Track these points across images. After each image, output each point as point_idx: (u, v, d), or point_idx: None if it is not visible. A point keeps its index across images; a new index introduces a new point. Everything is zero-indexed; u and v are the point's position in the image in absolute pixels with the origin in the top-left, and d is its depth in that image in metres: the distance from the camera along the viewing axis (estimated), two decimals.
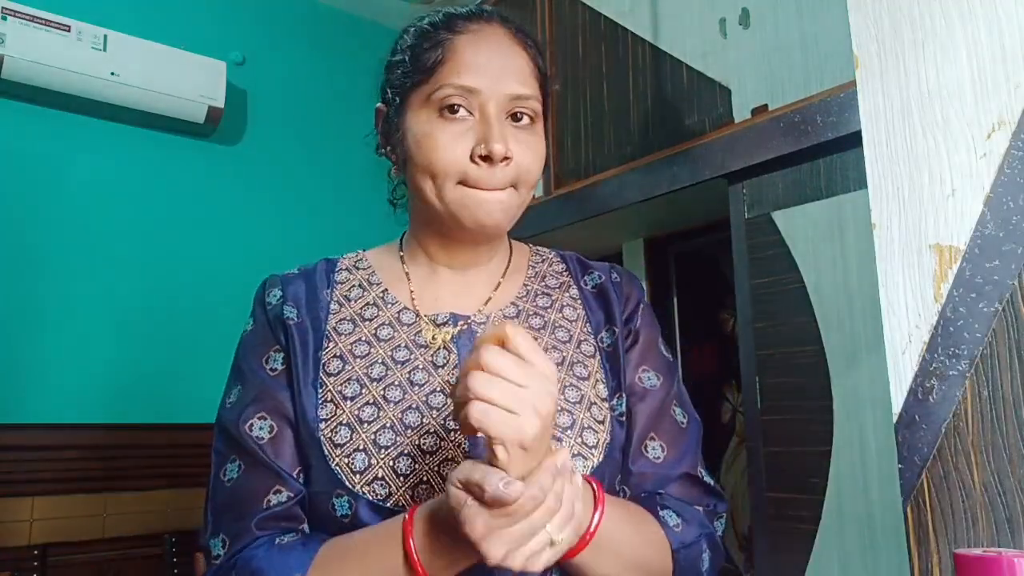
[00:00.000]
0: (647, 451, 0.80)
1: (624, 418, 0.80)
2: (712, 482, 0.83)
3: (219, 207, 2.46)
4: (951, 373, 0.79)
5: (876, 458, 1.42)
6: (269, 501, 0.73)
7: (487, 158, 0.73)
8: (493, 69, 0.75)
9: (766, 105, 1.69)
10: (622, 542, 0.68)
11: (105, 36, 2.18)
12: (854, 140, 1.44)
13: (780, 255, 1.63)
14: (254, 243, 2.50)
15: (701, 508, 0.80)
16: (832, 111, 1.53)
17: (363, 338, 0.79)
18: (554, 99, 2.28)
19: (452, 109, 0.74)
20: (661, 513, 0.75)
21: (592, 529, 0.64)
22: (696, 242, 2.38)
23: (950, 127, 0.82)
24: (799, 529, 1.51)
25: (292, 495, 0.73)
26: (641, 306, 0.87)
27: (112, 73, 2.18)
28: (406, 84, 0.78)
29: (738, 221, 1.73)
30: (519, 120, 0.76)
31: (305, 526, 0.74)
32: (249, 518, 0.72)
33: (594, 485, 0.67)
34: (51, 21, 2.11)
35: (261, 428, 0.75)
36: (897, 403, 0.82)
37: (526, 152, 0.76)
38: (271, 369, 0.78)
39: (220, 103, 2.35)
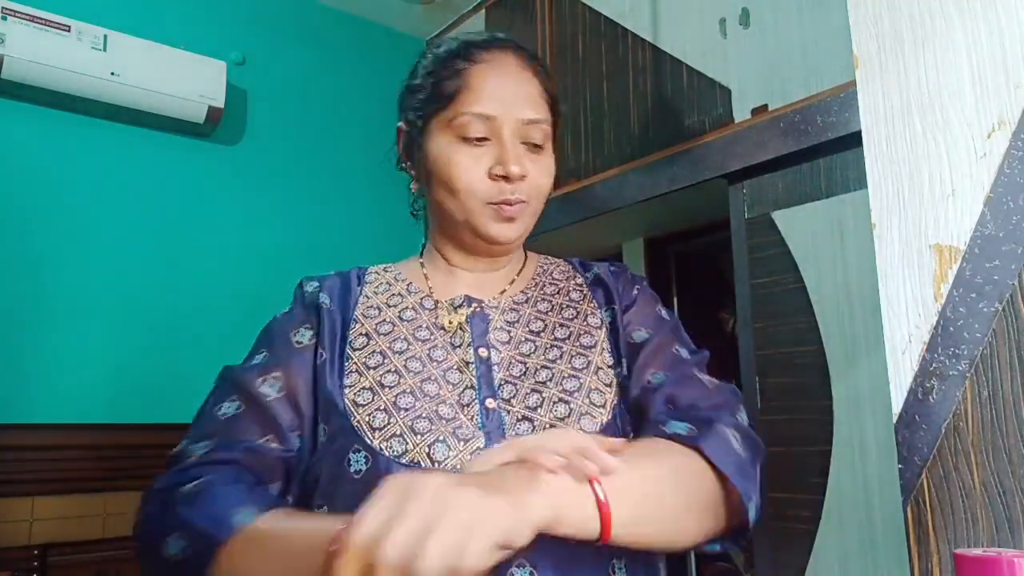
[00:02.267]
0: (648, 379, 0.80)
1: (624, 389, 0.83)
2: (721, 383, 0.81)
3: (219, 207, 2.46)
4: (951, 373, 0.79)
5: (876, 458, 1.42)
6: (258, 441, 0.76)
7: (504, 177, 0.81)
8: (507, 96, 0.82)
9: (766, 105, 1.69)
10: (648, 495, 0.64)
11: (105, 36, 2.18)
12: (854, 140, 1.44)
13: (780, 255, 1.63)
14: (254, 243, 2.49)
15: (710, 405, 0.78)
16: (832, 111, 1.53)
17: (388, 319, 0.85)
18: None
19: (473, 135, 0.81)
20: (667, 428, 0.72)
21: (604, 515, 0.59)
22: (696, 242, 2.38)
23: (950, 127, 0.82)
24: (799, 529, 1.51)
25: (281, 448, 0.76)
26: (638, 285, 0.92)
27: (112, 73, 2.17)
28: (428, 109, 0.85)
29: (738, 221, 1.73)
30: (532, 144, 0.84)
31: (276, 487, 0.76)
32: (239, 442, 0.74)
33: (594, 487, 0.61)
34: (51, 21, 2.11)
35: (271, 387, 0.79)
36: (897, 403, 0.82)
37: (539, 171, 0.84)
38: (297, 342, 0.83)
39: (220, 103, 2.35)
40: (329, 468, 0.75)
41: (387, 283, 0.91)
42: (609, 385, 0.81)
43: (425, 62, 0.88)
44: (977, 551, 0.71)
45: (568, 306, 0.89)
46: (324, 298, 0.86)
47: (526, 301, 0.89)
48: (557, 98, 0.90)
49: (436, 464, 0.71)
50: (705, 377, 0.83)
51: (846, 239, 1.52)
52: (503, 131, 0.81)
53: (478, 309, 0.86)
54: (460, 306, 0.86)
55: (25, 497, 2.02)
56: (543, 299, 0.90)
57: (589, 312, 0.88)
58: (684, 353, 0.86)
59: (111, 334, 2.20)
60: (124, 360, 2.21)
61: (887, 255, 0.85)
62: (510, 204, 0.81)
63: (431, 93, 0.85)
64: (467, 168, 0.81)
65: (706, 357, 0.88)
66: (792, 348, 1.59)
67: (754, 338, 1.66)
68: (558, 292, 0.91)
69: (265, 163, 2.58)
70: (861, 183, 1.49)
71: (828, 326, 1.53)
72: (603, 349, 0.84)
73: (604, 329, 0.87)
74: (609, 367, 0.83)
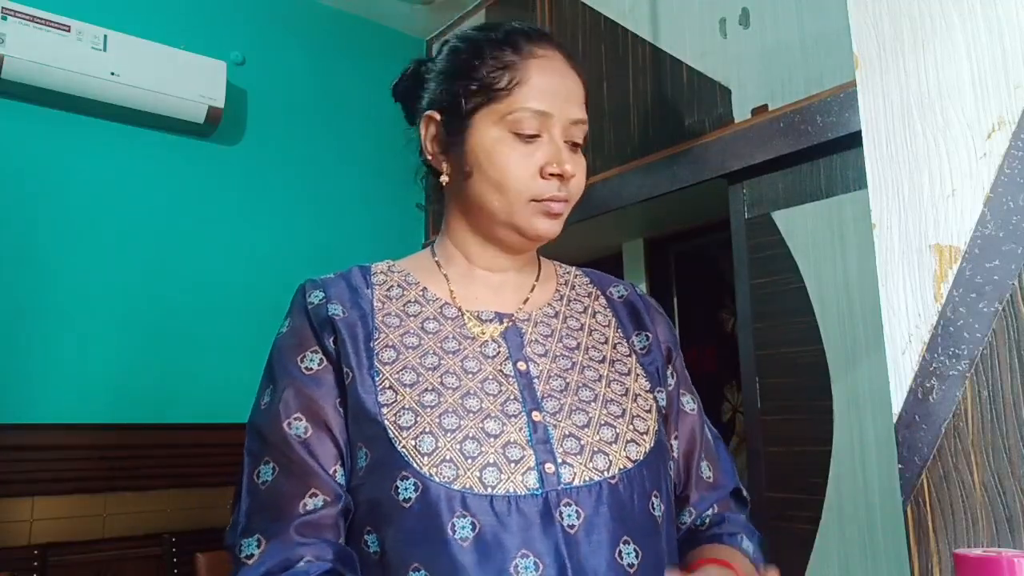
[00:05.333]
0: (701, 472, 0.88)
1: (661, 413, 0.86)
2: (743, 488, 0.92)
3: (219, 207, 2.46)
4: (951, 373, 0.79)
5: (876, 458, 1.42)
6: (305, 505, 0.73)
7: (558, 176, 0.80)
8: (561, 94, 0.82)
9: (766, 105, 1.69)
10: None
11: (105, 36, 2.18)
12: (854, 140, 1.44)
13: (780, 255, 1.63)
14: (254, 243, 2.49)
15: (744, 515, 0.90)
16: (832, 111, 1.53)
17: (411, 330, 0.81)
18: None
19: (528, 131, 0.80)
20: (743, 547, 0.83)
21: None
22: (696, 242, 2.38)
23: (950, 127, 0.82)
24: (799, 529, 1.51)
25: (328, 498, 0.74)
26: (669, 323, 0.95)
27: (112, 73, 2.17)
28: (476, 101, 0.82)
29: (738, 221, 1.73)
30: (574, 142, 0.85)
31: (342, 540, 0.75)
32: (286, 521, 0.73)
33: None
34: (51, 21, 2.11)
35: (296, 428, 0.75)
36: (897, 403, 0.82)
37: (580, 171, 0.85)
38: (306, 368, 0.78)
39: (220, 103, 2.34)
40: (375, 494, 0.73)
41: (398, 286, 0.86)
42: (649, 411, 0.81)
43: (462, 48, 0.85)
44: (977, 551, 0.71)
45: (596, 330, 0.88)
46: (335, 309, 0.80)
47: (556, 315, 0.88)
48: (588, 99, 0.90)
49: (488, 488, 0.70)
50: (740, 482, 0.92)
51: (846, 239, 1.52)
52: (555, 129, 0.81)
53: (510, 324, 0.84)
54: (490, 320, 0.84)
55: (25, 497, 2.02)
56: (572, 316, 0.89)
57: (616, 340, 0.88)
58: (710, 435, 0.91)
59: (111, 334, 2.20)
60: (124, 360, 2.21)
61: (887, 255, 0.85)
62: (557, 201, 0.81)
63: (479, 85, 0.81)
64: (520, 164, 0.80)
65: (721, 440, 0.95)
66: (792, 348, 1.59)
67: (754, 338, 1.66)
68: (584, 311, 0.90)
69: (265, 163, 2.58)
70: (861, 183, 1.49)
71: (828, 326, 1.53)
72: (637, 375, 0.84)
73: (634, 356, 0.87)
74: (647, 392, 0.84)
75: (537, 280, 0.91)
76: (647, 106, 2.00)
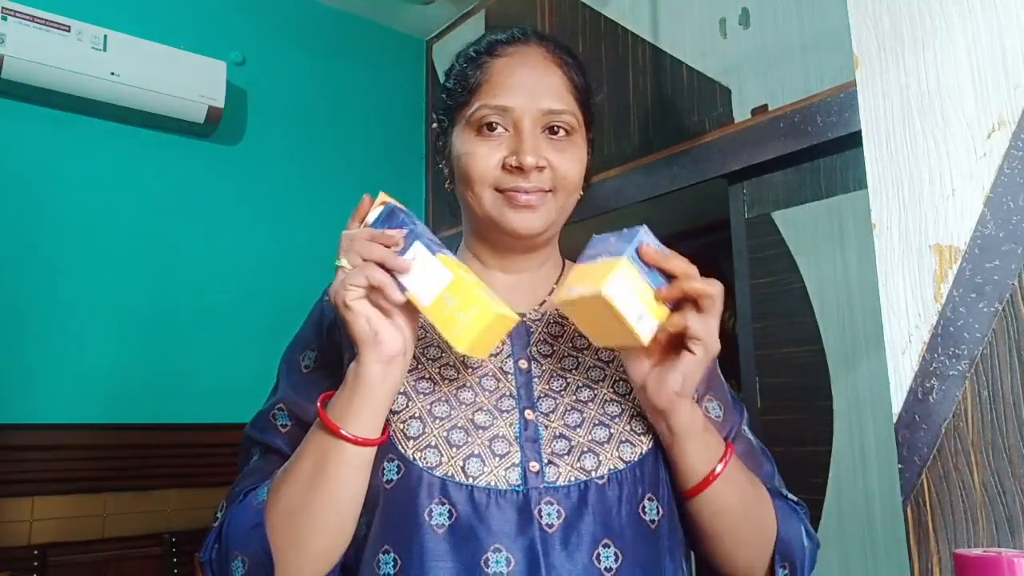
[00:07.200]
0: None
1: None
2: (795, 498, 0.87)
3: (219, 207, 2.46)
4: (951, 373, 0.79)
5: (876, 458, 1.42)
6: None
7: (518, 168, 0.78)
8: (527, 87, 0.81)
9: (766, 105, 1.69)
10: (740, 480, 0.76)
11: (105, 36, 2.18)
12: (854, 140, 1.44)
13: (780, 255, 1.63)
14: (254, 243, 2.49)
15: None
16: (832, 111, 1.53)
17: (420, 324, 0.82)
18: None
19: (489, 127, 0.80)
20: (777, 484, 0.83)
21: (719, 472, 0.73)
22: (696, 242, 2.38)
23: (950, 127, 0.82)
24: None
25: None
26: None
27: (112, 73, 2.17)
28: (451, 107, 0.85)
29: (738, 221, 1.73)
30: (555, 133, 0.82)
31: None
32: (250, 491, 0.76)
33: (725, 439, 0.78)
34: (51, 21, 2.11)
35: (280, 419, 0.81)
36: (897, 403, 0.82)
37: (563, 160, 0.81)
38: (305, 367, 0.83)
39: (220, 103, 2.35)
40: None
41: None
42: (647, 431, 0.79)
43: (456, 63, 0.88)
44: (977, 551, 0.71)
45: None
46: None
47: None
48: (587, 89, 0.87)
49: (469, 478, 0.71)
50: (782, 488, 0.87)
51: (846, 239, 1.52)
52: (522, 122, 0.80)
53: (520, 323, 0.83)
54: None
55: (25, 497, 2.02)
56: None
57: None
58: (752, 438, 0.87)
59: (111, 334, 2.20)
60: (124, 360, 2.21)
61: (887, 255, 0.85)
62: (524, 192, 0.79)
63: (455, 91, 0.85)
64: (482, 157, 0.80)
65: (773, 458, 0.90)
66: (792, 348, 1.59)
67: (754, 338, 1.66)
68: None
69: (265, 163, 2.58)
70: (861, 183, 1.49)
71: (828, 326, 1.53)
72: None
73: None
74: None
75: (557, 282, 0.91)
76: (647, 106, 2.00)
